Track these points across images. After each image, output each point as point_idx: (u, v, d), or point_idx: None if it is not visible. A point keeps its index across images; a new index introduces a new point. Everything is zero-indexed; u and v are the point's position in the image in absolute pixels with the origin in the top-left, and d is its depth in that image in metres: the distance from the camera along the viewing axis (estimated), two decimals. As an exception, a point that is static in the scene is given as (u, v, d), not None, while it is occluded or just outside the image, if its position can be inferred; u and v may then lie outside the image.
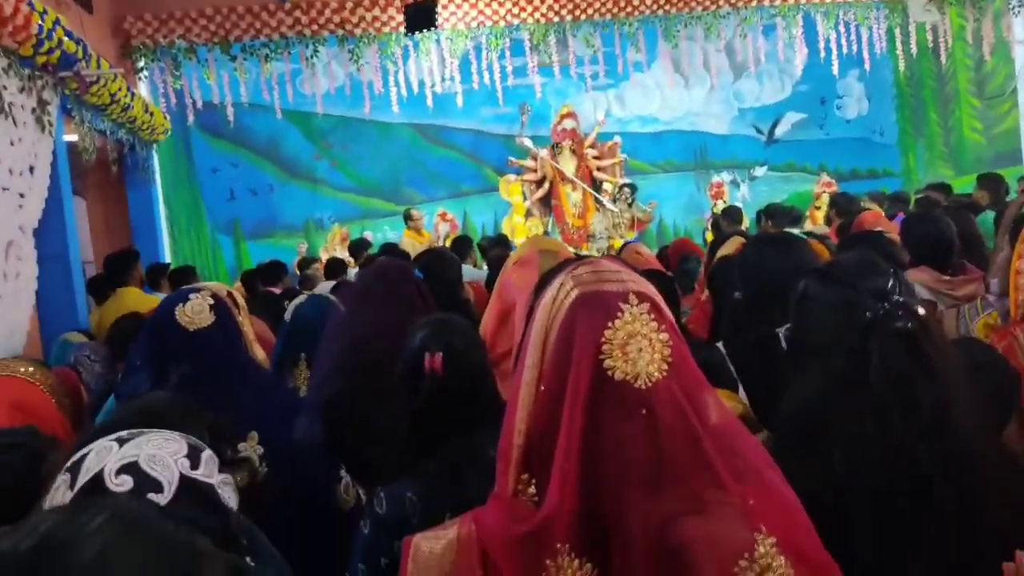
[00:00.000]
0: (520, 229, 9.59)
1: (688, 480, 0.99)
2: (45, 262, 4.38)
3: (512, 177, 9.97)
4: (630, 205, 9.72)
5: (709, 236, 6.80)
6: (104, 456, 0.95)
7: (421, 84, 8.95)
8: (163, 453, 0.97)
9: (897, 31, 10.18)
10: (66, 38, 4.57)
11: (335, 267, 6.53)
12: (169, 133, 7.55)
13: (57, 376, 2.44)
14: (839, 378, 1.23)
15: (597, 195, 9.76)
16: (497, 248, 5.74)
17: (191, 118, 8.56)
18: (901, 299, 1.23)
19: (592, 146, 9.94)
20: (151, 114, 6.76)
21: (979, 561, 1.12)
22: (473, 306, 3.18)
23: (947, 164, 11.19)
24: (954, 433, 1.19)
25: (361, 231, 9.54)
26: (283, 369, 2.34)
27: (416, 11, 8.02)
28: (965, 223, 3.44)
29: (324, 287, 4.65)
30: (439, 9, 8.24)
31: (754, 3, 9.71)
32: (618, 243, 8.56)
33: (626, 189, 9.75)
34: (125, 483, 0.93)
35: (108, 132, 6.07)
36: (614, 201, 9.71)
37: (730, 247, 3.27)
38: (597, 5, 9.18)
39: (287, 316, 2.44)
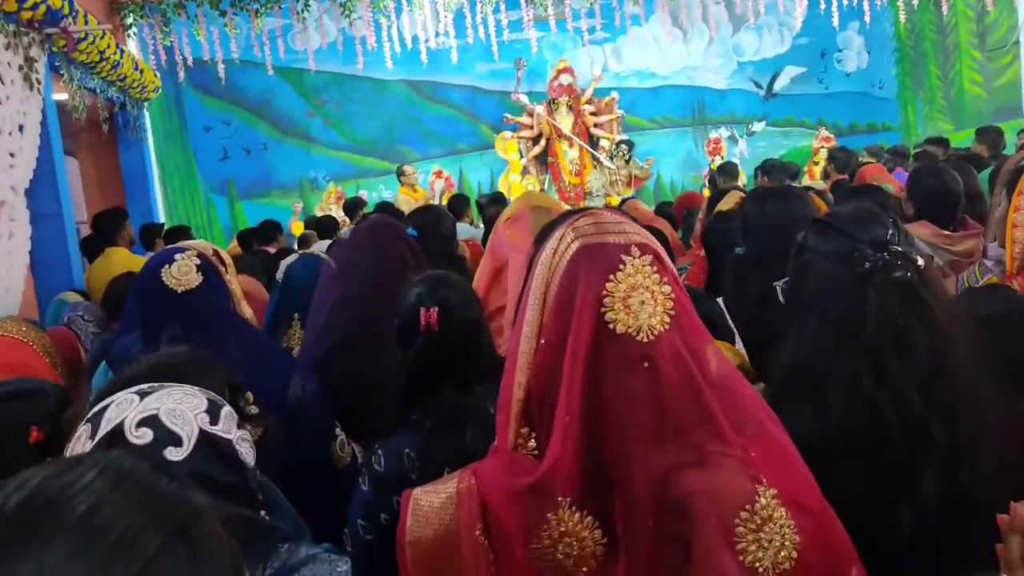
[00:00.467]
0: (516, 187, 9.50)
1: (690, 433, 0.99)
2: (38, 222, 4.34)
3: (508, 134, 9.86)
4: (627, 162, 9.64)
5: (706, 192, 6.75)
6: (125, 408, 0.96)
7: (415, 39, 8.77)
8: (183, 407, 0.98)
9: (899, -20, 10.00)
10: (51, -8, 4.46)
11: (327, 225, 6.48)
12: (160, 91, 7.41)
13: (54, 336, 2.44)
14: (836, 326, 1.22)
15: (594, 152, 9.67)
16: (494, 206, 5.68)
17: (182, 76, 8.41)
18: (900, 249, 1.22)
19: (589, 102, 9.81)
20: (141, 72, 6.64)
21: (973, 507, 1.12)
22: (468, 263, 3.16)
23: (947, 118, 11.06)
24: (951, 380, 1.18)
25: (356, 190, 9.48)
26: (277, 329, 2.34)
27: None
28: (967, 176, 3.41)
29: (319, 246, 4.63)
30: (432, -39, 8.07)
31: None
32: (615, 200, 8.50)
33: (623, 146, 9.66)
34: (145, 436, 0.94)
35: (98, 90, 5.96)
36: (611, 158, 9.63)
37: (728, 202, 3.24)
38: (594, -44, 8.99)
39: (279, 276, 2.43)
